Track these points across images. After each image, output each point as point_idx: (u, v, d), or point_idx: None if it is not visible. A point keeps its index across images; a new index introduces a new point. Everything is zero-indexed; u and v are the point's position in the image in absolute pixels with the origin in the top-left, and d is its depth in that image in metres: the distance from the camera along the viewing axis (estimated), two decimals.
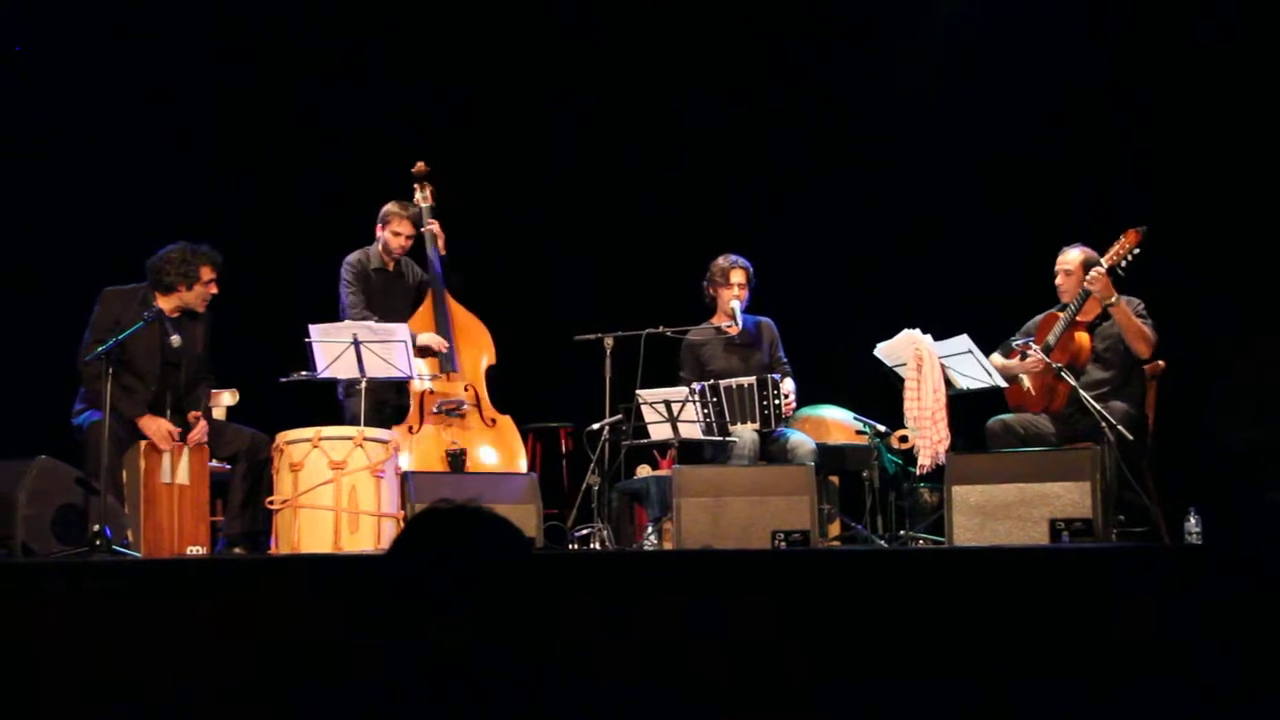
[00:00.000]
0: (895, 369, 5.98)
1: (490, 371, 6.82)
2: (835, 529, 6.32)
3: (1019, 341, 5.94)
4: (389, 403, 6.54)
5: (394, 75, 7.99)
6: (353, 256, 6.70)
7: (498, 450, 6.61)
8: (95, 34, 7.62)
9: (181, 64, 7.74)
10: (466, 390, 6.67)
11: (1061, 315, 5.95)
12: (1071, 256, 6.02)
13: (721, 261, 6.62)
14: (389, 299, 6.70)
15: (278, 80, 7.85)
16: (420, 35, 7.99)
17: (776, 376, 6.28)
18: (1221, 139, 7.00)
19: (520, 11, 8.00)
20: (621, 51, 8.01)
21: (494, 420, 6.69)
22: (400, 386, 6.51)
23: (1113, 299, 5.77)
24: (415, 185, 6.89)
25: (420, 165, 6.90)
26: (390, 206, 6.73)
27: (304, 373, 6.07)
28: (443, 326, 6.70)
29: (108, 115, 7.61)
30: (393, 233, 6.68)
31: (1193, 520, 5.28)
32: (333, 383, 6.36)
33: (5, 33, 7.56)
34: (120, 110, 7.64)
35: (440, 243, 6.86)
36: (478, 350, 6.82)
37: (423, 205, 6.85)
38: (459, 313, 6.83)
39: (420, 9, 7.96)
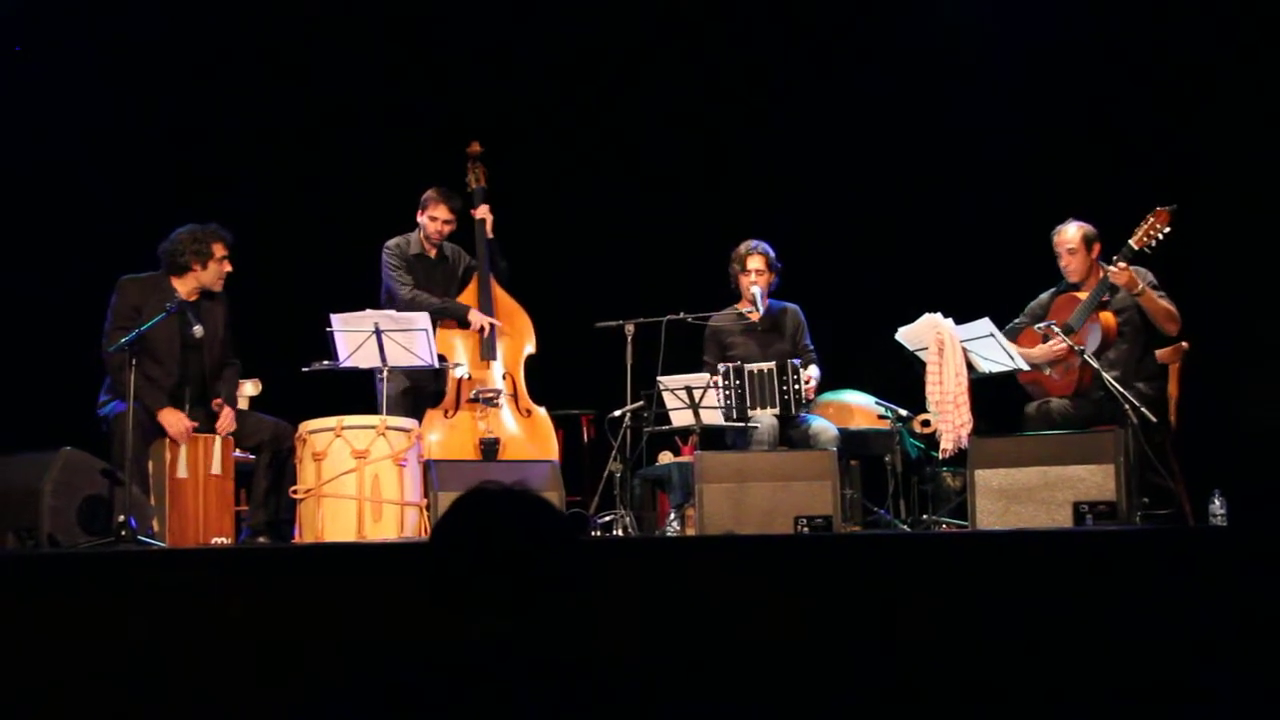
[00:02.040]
0: (917, 353, 5.96)
1: (529, 362, 6.83)
2: (856, 514, 6.31)
3: (1041, 326, 5.90)
4: (427, 389, 6.58)
5: (412, 64, 7.98)
6: (393, 241, 6.72)
7: (531, 441, 6.62)
8: (106, 11, 7.64)
9: (198, 50, 7.76)
10: (505, 378, 6.68)
11: (1079, 296, 5.91)
12: (1072, 234, 6.00)
13: (742, 247, 6.62)
14: (430, 285, 6.70)
15: (297, 67, 7.85)
16: (438, 24, 7.98)
17: (797, 362, 6.27)
18: (1250, 114, 6.95)
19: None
20: (646, 40, 8.00)
21: (529, 411, 6.70)
22: (439, 373, 6.52)
23: (1139, 288, 5.73)
24: (469, 165, 6.93)
25: (475, 145, 6.92)
26: (430, 192, 6.75)
27: (326, 362, 6.09)
28: (486, 311, 6.71)
29: (124, 102, 7.63)
30: (429, 218, 6.70)
31: (1217, 503, 5.25)
32: (359, 372, 6.34)
33: (6, 32, 7.59)
34: (137, 97, 7.66)
35: (489, 226, 6.86)
36: (519, 339, 6.82)
37: (475, 187, 6.89)
38: (503, 300, 6.84)
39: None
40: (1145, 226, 5.73)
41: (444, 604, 1.96)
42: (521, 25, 8.01)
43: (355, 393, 6.56)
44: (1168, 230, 5.70)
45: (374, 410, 5.95)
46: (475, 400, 6.55)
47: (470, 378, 6.60)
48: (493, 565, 1.96)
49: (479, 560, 1.96)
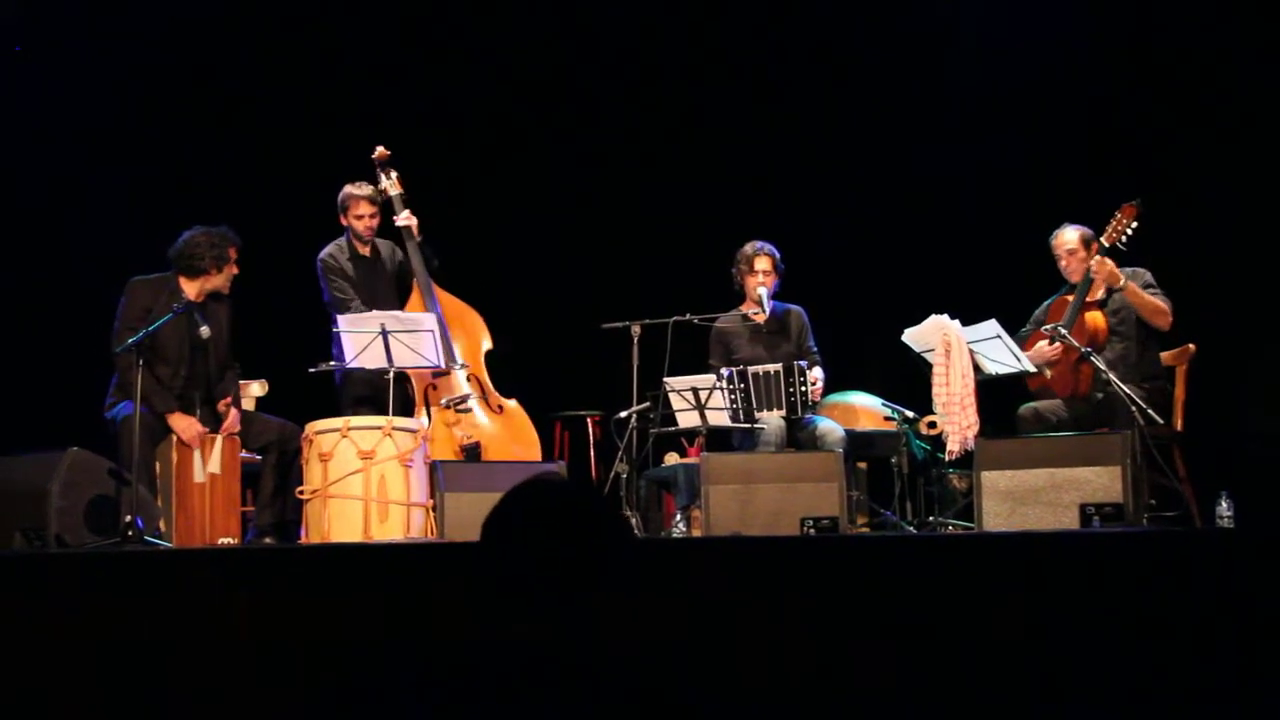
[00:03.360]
0: (923, 355, 5.96)
1: (489, 356, 6.71)
2: (862, 516, 6.30)
3: (1046, 328, 5.90)
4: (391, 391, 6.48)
5: (418, 55, 7.99)
6: (325, 252, 6.56)
7: (509, 437, 6.55)
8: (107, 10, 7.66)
9: (201, 50, 7.77)
10: (470, 380, 6.64)
11: (1070, 299, 5.91)
12: (1070, 237, 6.02)
13: (748, 249, 6.61)
14: (371, 285, 6.56)
15: (298, 69, 7.86)
16: (447, 7, 8.00)
17: (803, 363, 6.26)
18: (1255, 115, 6.94)
19: None
20: (651, 34, 8.00)
21: (500, 407, 6.61)
22: (402, 376, 6.41)
23: (1120, 283, 5.74)
24: (380, 172, 6.67)
25: (381, 151, 6.67)
26: (347, 189, 6.57)
27: (333, 363, 6.09)
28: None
29: (128, 103, 7.64)
30: (355, 216, 6.53)
31: (1224, 504, 5.24)
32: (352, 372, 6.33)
33: (6, 33, 7.60)
34: (140, 98, 7.67)
35: (415, 230, 6.65)
36: (473, 338, 6.70)
37: (392, 194, 6.64)
38: (449, 303, 6.67)
39: None
40: (1114, 223, 5.74)
41: (492, 599, 1.89)
42: (528, 26, 8.02)
43: (362, 395, 6.55)
44: (1136, 225, 5.70)
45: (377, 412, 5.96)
46: (446, 407, 6.50)
47: (436, 386, 6.49)
48: (549, 560, 1.87)
49: (535, 553, 1.88)
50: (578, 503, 1.96)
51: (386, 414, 5.90)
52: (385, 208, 6.64)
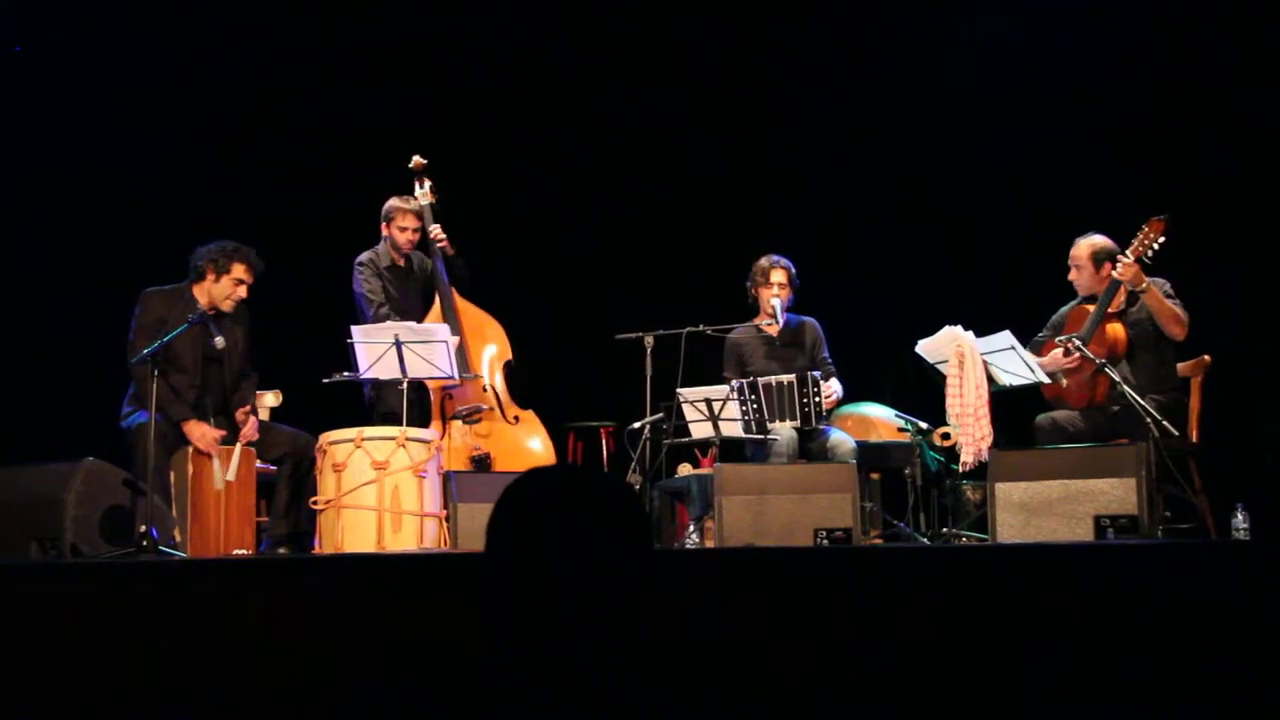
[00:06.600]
0: (937, 366, 5.95)
1: (509, 366, 6.79)
2: (876, 528, 6.29)
3: (1061, 338, 5.89)
4: (413, 403, 6.52)
5: (432, 69, 8.02)
6: (364, 256, 6.71)
7: (525, 447, 6.61)
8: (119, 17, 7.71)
9: (219, 57, 7.81)
10: (485, 392, 6.66)
11: (1091, 309, 5.89)
12: (1079, 251, 6.01)
13: (763, 261, 6.62)
14: (403, 296, 6.69)
15: (317, 81, 7.89)
16: (462, 21, 8.02)
17: (817, 374, 6.26)
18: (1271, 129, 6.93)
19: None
20: (665, 49, 8.01)
21: (517, 418, 6.68)
22: (421, 389, 6.50)
23: (1143, 285, 5.71)
24: (414, 181, 6.82)
25: (417, 160, 6.82)
26: (393, 202, 6.74)
27: (346, 373, 6.11)
28: (453, 330, 6.65)
29: (149, 113, 7.67)
30: (399, 228, 6.70)
31: (1240, 516, 5.22)
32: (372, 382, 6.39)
33: (7, 33, 7.64)
34: (158, 109, 7.70)
35: (445, 245, 6.80)
36: (494, 348, 6.79)
37: (424, 203, 6.80)
38: (468, 313, 6.79)
39: None
40: (1140, 237, 5.71)
41: (499, 613, 1.72)
42: (556, 24, 8.03)
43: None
44: (1163, 240, 5.67)
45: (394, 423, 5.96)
46: (457, 419, 6.54)
47: (452, 396, 6.56)
48: (563, 565, 1.69)
49: (541, 550, 1.69)
50: (595, 496, 1.75)
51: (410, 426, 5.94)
52: (420, 216, 6.77)
